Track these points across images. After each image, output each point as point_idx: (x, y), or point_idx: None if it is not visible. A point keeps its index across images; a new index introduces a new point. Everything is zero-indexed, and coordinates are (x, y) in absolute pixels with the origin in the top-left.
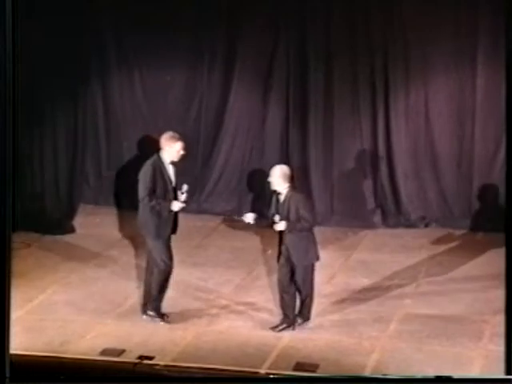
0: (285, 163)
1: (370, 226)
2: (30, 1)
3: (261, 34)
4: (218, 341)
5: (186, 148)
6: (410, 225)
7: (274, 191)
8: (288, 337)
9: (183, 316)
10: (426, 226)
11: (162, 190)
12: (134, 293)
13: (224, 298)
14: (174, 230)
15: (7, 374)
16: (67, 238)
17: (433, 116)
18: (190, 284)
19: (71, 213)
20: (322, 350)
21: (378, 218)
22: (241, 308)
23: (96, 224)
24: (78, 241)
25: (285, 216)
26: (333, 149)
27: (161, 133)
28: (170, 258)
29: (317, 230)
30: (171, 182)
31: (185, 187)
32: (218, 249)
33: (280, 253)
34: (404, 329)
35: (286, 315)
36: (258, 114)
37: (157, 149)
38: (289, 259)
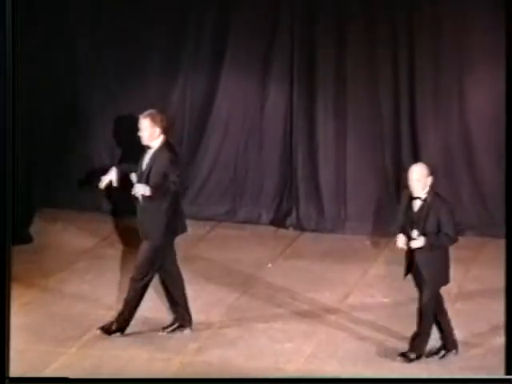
0: (288, 157)
1: (392, 233)
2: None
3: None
4: (206, 373)
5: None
6: None
7: (411, 197)
8: (293, 368)
9: (165, 343)
10: (460, 233)
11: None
12: (104, 315)
13: (215, 322)
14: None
15: (7, 374)
16: (23, 248)
17: (468, 101)
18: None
19: (28, 218)
20: None
21: None
22: (234, 334)
23: (57, 231)
24: (35, 252)
25: (421, 228)
26: (346, 140)
27: (133, 124)
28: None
29: (328, 239)
30: (140, 170)
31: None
32: (208, 262)
33: (408, 271)
34: (432, 359)
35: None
36: (256, 98)
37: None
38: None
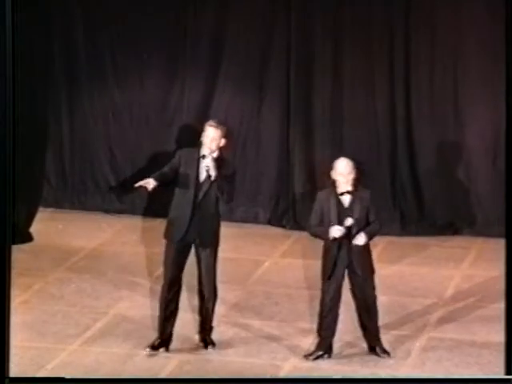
0: (285, 156)
1: (387, 232)
2: None
3: (256, 3)
4: (205, 371)
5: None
6: (435, 232)
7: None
8: (290, 366)
9: None
10: (455, 233)
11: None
12: (104, 313)
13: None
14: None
15: (7, 374)
16: (23, 247)
17: (463, 100)
18: None
19: (29, 218)
20: None
21: (396, 223)
22: (233, 331)
23: (58, 231)
24: (36, 251)
25: (355, 221)
26: (342, 139)
27: (133, 124)
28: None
29: None
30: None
31: None
32: None
33: (335, 266)
34: (428, 356)
35: (323, 340)
36: (253, 99)
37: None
38: (351, 272)
